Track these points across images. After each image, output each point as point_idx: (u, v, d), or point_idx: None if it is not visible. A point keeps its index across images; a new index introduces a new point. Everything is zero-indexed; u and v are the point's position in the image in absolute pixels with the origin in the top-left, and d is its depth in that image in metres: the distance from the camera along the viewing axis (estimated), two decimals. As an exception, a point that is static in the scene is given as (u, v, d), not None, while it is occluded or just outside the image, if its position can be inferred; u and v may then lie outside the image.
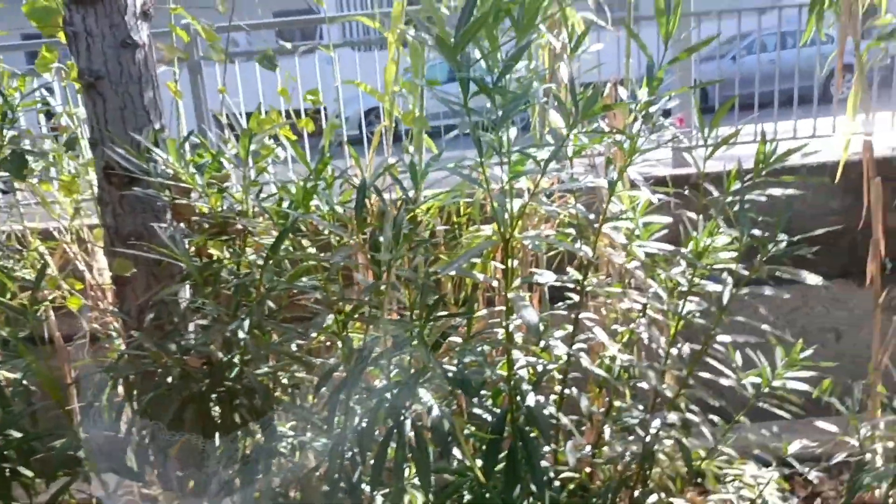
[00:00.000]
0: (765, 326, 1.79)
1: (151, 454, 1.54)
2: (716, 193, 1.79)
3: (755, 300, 1.74)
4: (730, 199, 1.73)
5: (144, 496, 1.92)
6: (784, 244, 1.65)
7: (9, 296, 1.95)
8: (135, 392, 1.67)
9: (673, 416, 1.79)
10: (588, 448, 1.96)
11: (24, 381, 1.79)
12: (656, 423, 1.77)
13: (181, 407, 1.52)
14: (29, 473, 1.71)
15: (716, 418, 1.98)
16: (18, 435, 1.76)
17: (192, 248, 1.84)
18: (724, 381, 1.90)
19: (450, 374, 1.44)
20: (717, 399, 1.82)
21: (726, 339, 1.83)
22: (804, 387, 1.91)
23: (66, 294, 2.31)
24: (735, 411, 1.96)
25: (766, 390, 1.93)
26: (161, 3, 2.26)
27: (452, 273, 1.86)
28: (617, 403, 2.00)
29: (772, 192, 1.69)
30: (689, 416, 1.85)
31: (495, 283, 1.75)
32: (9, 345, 1.61)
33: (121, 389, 1.81)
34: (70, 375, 2.32)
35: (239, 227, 1.81)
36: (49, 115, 2.94)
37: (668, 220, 1.90)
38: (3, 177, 1.98)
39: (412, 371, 1.50)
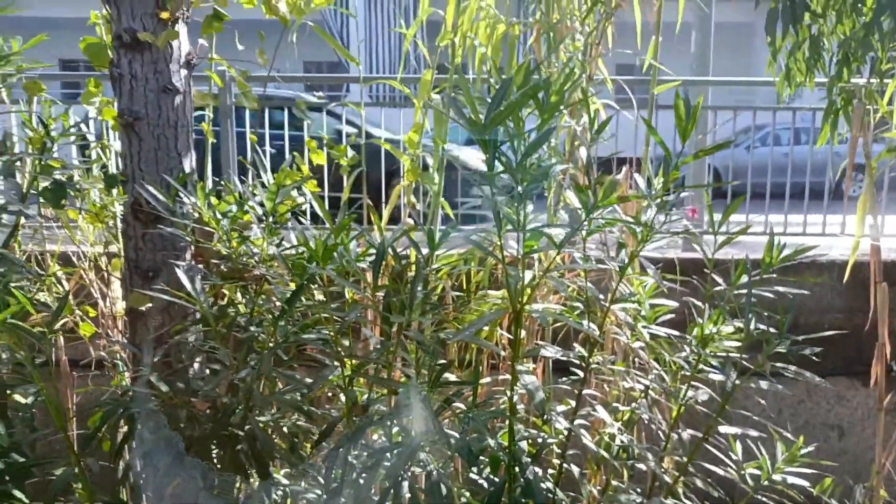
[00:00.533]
0: (764, 420, 1.80)
1: (148, 491, 1.55)
2: (723, 283, 1.83)
3: (758, 392, 1.76)
4: (737, 291, 1.77)
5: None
6: (789, 342, 1.68)
7: (23, 318, 1.98)
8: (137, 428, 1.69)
9: (670, 503, 1.79)
10: (581, 526, 1.94)
11: (33, 408, 1.80)
12: (652, 507, 1.77)
13: (184, 447, 1.53)
14: (25, 501, 1.71)
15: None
16: (20, 459, 1.77)
17: (209, 290, 1.88)
18: (722, 472, 1.89)
19: (452, 440, 1.46)
20: (716, 489, 1.82)
21: (729, 429, 1.83)
22: (805, 483, 1.91)
23: (79, 320, 2.35)
24: (733, 502, 1.95)
25: (766, 483, 1.92)
26: (203, 52, 2.37)
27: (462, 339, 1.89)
28: (614, 483, 1.99)
29: (779, 289, 1.73)
30: (687, 503, 1.84)
31: (501, 352, 1.77)
32: (24, 368, 1.64)
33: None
34: (72, 401, 2.33)
35: (257, 273, 1.86)
36: (83, 147, 3.04)
37: (674, 304, 1.94)
38: (34, 203, 2.04)
39: (413, 433, 1.52)
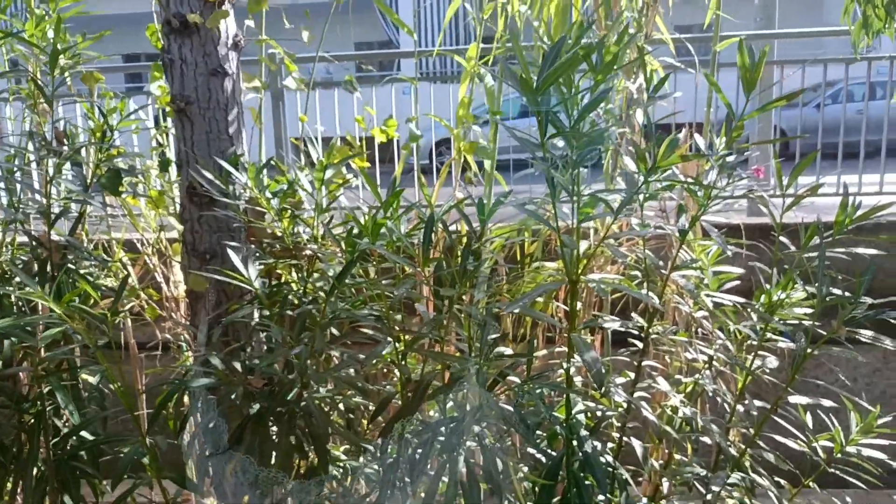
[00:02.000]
0: (838, 389, 1.70)
1: (210, 467, 1.59)
2: (792, 247, 1.73)
3: (831, 361, 1.66)
4: (808, 254, 1.67)
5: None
6: (866, 307, 1.57)
7: (91, 302, 2.06)
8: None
9: (736, 476, 1.72)
10: (644, 501, 1.90)
11: (100, 387, 1.88)
12: (718, 481, 1.70)
13: (242, 424, 1.56)
14: (97, 475, 1.79)
15: (783, 482, 1.88)
16: (90, 437, 1.85)
17: (263, 270, 1.91)
18: (792, 444, 1.81)
19: (506, 414, 1.43)
20: (785, 462, 1.74)
21: (799, 399, 1.74)
22: (882, 455, 1.80)
23: (144, 304, 2.43)
24: (804, 476, 1.86)
25: (839, 456, 1.83)
26: (250, 33, 2.38)
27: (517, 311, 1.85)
28: (677, 457, 1.93)
29: (854, 251, 1.62)
30: (755, 477, 1.77)
31: (556, 323, 1.73)
32: (89, 350, 1.71)
33: (186, 400, 1.88)
34: (141, 382, 2.42)
35: (308, 252, 1.86)
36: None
37: (740, 271, 1.85)
38: (97, 190, 2.11)
39: (468, 407, 1.50)
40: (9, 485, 2.06)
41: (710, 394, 1.83)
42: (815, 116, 4.14)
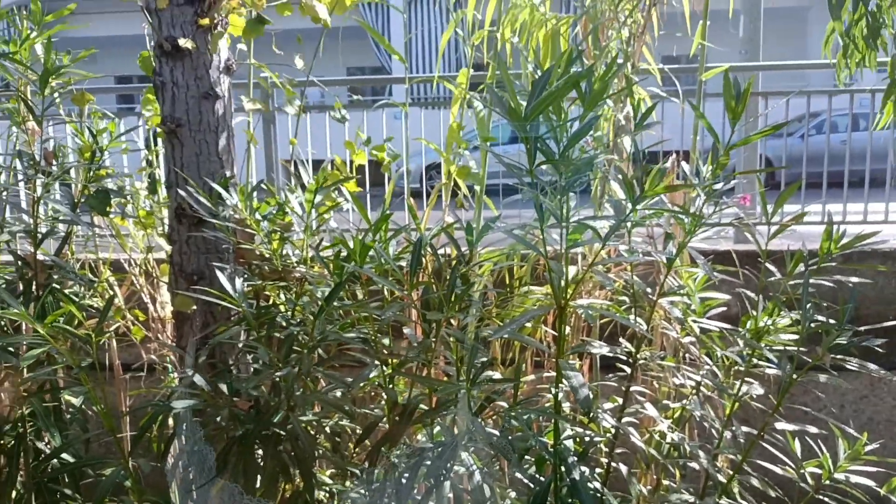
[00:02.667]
0: (825, 416, 1.71)
1: (194, 490, 1.56)
2: (778, 274, 1.74)
3: (818, 388, 1.67)
4: (793, 281, 1.68)
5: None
6: (850, 333, 1.59)
7: (76, 322, 2.04)
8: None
9: (725, 502, 1.71)
10: (632, 528, 1.89)
11: (83, 409, 1.85)
12: (705, 508, 1.70)
13: (227, 447, 1.54)
14: (78, 497, 1.75)
15: (770, 509, 1.88)
16: (72, 460, 1.82)
17: (251, 291, 1.90)
18: (779, 471, 1.81)
19: (493, 439, 1.42)
20: (773, 488, 1.74)
21: (786, 426, 1.75)
22: (870, 482, 1.80)
23: (130, 324, 2.40)
24: (792, 502, 1.85)
25: (828, 483, 1.83)
26: (242, 57, 2.40)
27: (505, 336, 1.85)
28: (665, 482, 1.92)
29: (838, 279, 1.64)
30: (743, 503, 1.76)
31: (545, 349, 1.73)
32: (73, 371, 1.68)
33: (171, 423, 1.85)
34: (125, 403, 2.39)
35: (297, 274, 1.86)
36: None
37: (726, 297, 1.86)
38: (86, 212, 2.10)
39: (455, 432, 1.49)
40: (-15, 509, 2.02)
41: (698, 419, 1.83)
42: (799, 146, 4.20)
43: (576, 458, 1.59)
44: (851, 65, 2.04)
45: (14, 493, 1.94)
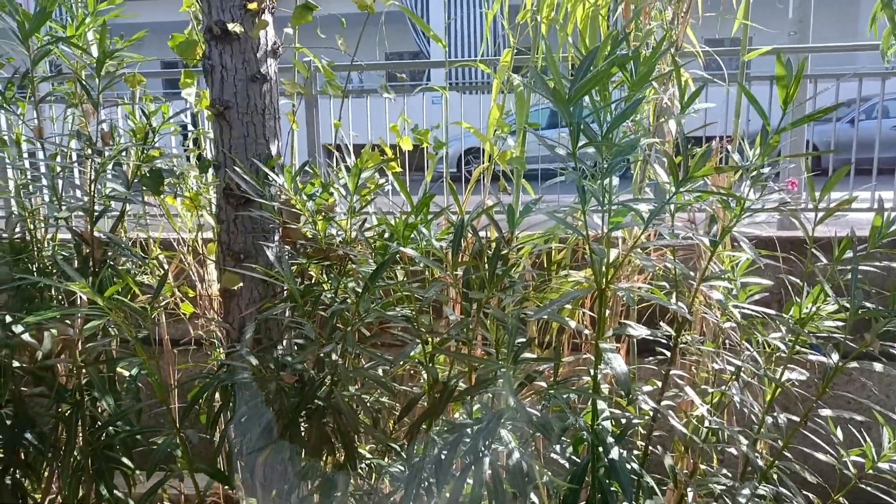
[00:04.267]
0: (872, 404, 1.69)
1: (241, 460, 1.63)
2: (824, 260, 1.72)
3: (862, 374, 1.65)
4: (840, 267, 1.66)
5: (227, 498, 2.01)
6: (900, 319, 1.56)
7: (131, 297, 2.12)
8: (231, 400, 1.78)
9: (765, 488, 1.71)
10: (668, 511, 1.89)
11: (137, 381, 1.93)
12: (745, 492, 1.69)
13: (271, 419, 1.59)
14: (130, 465, 1.83)
15: (812, 497, 1.86)
16: (125, 429, 1.90)
17: (296, 270, 1.95)
18: (822, 457, 1.79)
19: (532, 418, 1.44)
20: (814, 475, 1.72)
21: (828, 412, 1.73)
22: (916, 473, 1.78)
23: (179, 301, 2.49)
24: (834, 492, 1.84)
25: (871, 472, 1.80)
26: (288, 41, 2.45)
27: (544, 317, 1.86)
28: (703, 467, 1.92)
29: (888, 265, 1.61)
30: (783, 490, 1.75)
31: (584, 331, 1.74)
32: (128, 344, 1.76)
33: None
34: (174, 377, 2.48)
35: (340, 253, 1.90)
36: (184, 135, 3.21)
37: (767, 282, 1.84)
38: (138, 190, 2.18)
39: (494, 410, 1.51)
40: (45, 473, 2.12)
41: (738, 405, 1.82)
42: (848, 132, 4.08)
43: (614, 440, 1.60)
44: (897, 40, 1.98)
45: (71, 460, 2.04)
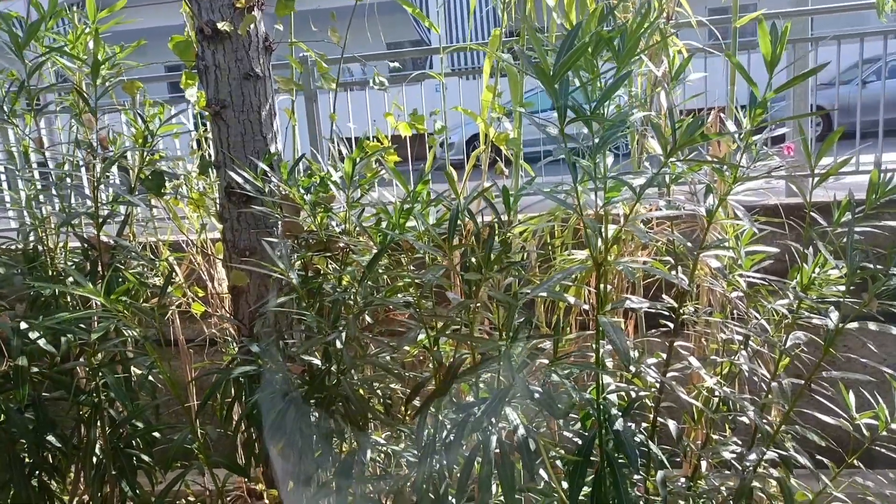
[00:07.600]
0: (879, 365, 1.68)
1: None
2: (825, 224, 1.71)
3: (868, 336, 1.64)
4: (840, 230, 1.65)
5: (251, 491, 2.05)
6: (896, 277, 1.55)
7: (141, 300, 2.16)
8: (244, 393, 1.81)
9: (774, 453, 1.71)
10: (682, 481, 1.90)
11: (151, 379, 1.97)
12: (752, 457, 1.70)
13: (283, 409, 1.62)
14: (149, 461, 1.87)
15: (826, 461, 1.86)
16: (142, 426, 1.94)
17: (299, 263, 1.97)
18: (833, 421, 1.79)
19: (536, 395, 1.46)
20: (825, 439, 1.72)
21: (836, 374, 1.72)
22: (929, 433, 1.77)
23: (191, 301, 2.53)
24: (848, 455, 1.83)
25: (884, 434, 1.80)
26: (280, 37, 2.46)
27: (544, 296, 1.87)
28: (715, 437, 1.93)
29: (889, 224, 1.60)
30: (794, 455, 1.75)
31: (584, 307, 1.75)
32: (139, 344, 1.80)
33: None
34: (190, 374, 2.53)
35: (341, 244, 1.92)
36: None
37: (772, 250, 1.83)
38: (142, 192, 2.21)
39: (496, 388, 1.53)
40: (71, 474, 2.18)
41: (747, 374, 1.82)
42: (855, 95, 4.01)
43: (619, 413, 1.61)
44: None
45: (94, 459, 2.09)
